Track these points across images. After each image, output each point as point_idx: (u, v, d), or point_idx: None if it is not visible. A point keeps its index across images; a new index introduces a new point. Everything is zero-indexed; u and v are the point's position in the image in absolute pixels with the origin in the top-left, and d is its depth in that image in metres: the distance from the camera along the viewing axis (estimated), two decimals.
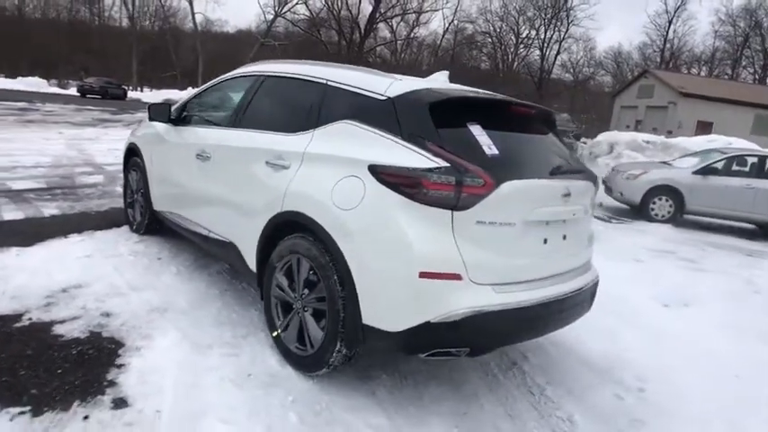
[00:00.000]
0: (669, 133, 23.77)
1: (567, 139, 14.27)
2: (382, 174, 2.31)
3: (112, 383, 2.45)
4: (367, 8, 41.10)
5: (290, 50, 43.73)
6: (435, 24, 66.45)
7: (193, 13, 41.51)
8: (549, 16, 48.40)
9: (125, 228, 4.69)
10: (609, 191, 9.99)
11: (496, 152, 2.39)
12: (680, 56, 50.53)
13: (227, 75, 3.80)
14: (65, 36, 43.21)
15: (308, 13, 41.40)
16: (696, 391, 3.15)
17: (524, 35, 51.11)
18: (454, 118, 2.45)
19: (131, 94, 37.12)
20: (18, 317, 2.96)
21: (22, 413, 2.17)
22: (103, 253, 4.06)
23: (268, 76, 3.34)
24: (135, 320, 3.06)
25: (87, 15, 47.11)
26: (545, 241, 2.55)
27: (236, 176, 3.16)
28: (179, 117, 3.95)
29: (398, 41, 46.65)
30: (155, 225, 4.34)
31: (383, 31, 46.02)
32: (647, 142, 13.97)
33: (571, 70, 51.61)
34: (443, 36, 50.06)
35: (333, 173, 2.49)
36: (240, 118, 3.35)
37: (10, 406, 2.20)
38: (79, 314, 3.06)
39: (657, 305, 4.78)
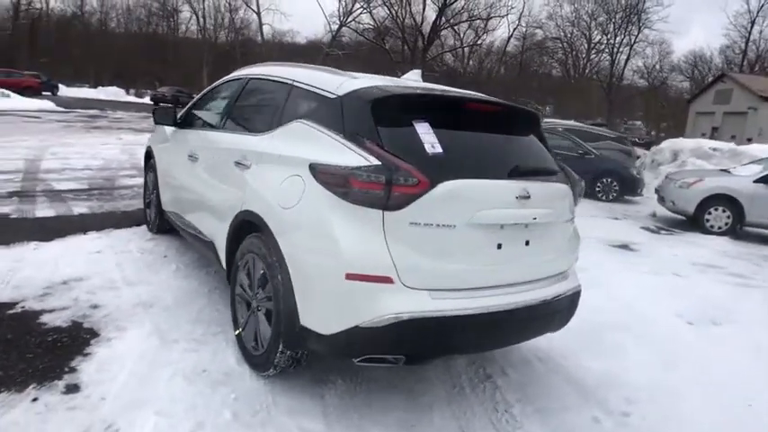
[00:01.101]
0: (749, 141, 22.06)
1: (626, 146, 13.57)
2: (319, 173, 2.29)
3: (73, 370, 2.57)
4: (431, 16, 41.21)
5: (355, 60, 44.54)
6: (502, 30, 65.19)
7: (261, 25, 43.32)
8: (619, 19, 46.35)
9: (143, 227, 4.93)
10: (661, 200, 9.39)
11: (439, 151, 2.28)
12: (767, 58, 46.81)
13: (223, 78, 3.92)
14: (144, 48, 46.28)
15: (372, 23, 42.08)
16: (691, 418, 2.87)
17: (596, 40, 49.30)
18: (401, 116, 2.37)
19: None
20: (13, 305, 3.17)
21: None
22: (114, 249, 4.28)
23: (251, 78, 3.41)
24: (118, 313, 3.19)
25: (165, 29, 50.19)
26: (499, 246, 2.40)
27: (212, 177, 3.25)
28: (183, 120, 4.11)
29: (463, 48, 46.33)
30: (166, 224, 4.53)
31: (450, 38, 45.99)
32: (714, 149, 13.02)
33: (646, 76, 49.15)
34: (508, 41, 49.13)
35: (280, 172, 2.51)
36: (224, 120, 3.45)
37: None
38: (69, 305, 3.24)
39: (681, 323, 4.42)
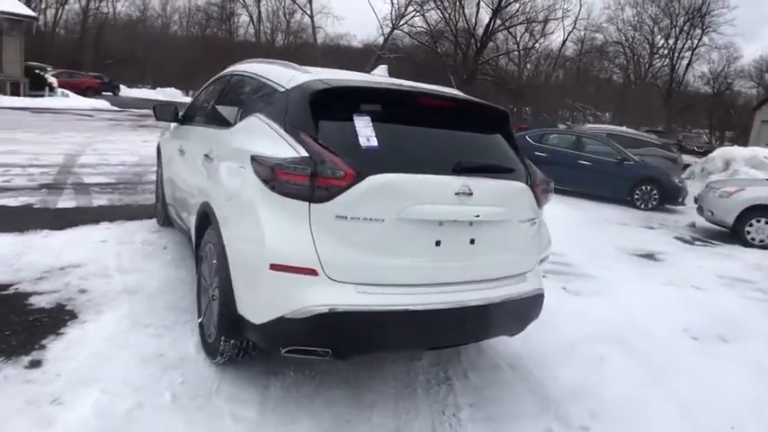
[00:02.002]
0: None
1: (671, 153, 12.98)
2: (255, 164, 2.33)
3: (42, 347, 2.74)
4: (485, 19, 40.77)
5: (406, 63, 44.65)
6: (558, 34, 63.43)
7: (314, 28, 44.11)
8: (682, 23, 44.14)
9: (153, 220, 5.16)
10: (700, 210, 8.91)
11: (374, 144, 2.27)
12: None
13: (216, 76, 4.07)
14: (202, 51, 48.21)
15: (425, 26, 42.10)
16: None
17: (660, 45, 47.23)
18: (341, 109, 2.37)
19: None
20: (8, 286, 3.41)
21: None
22: (118, 239, 4.51)
23: (232, 75, 3.53)
24: (101, 298, 3.37)
25: (223, 33, 52.00)
26: (437, 243, 2.37)
27: (188, 170, 3.39)
28: (184, 116, 4.28)
29: (520, 51, 45.51)
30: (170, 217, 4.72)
31: (506, 41, 45.28)
32: None
33: (711, 82, 46.56)
34: (563, 45, 47.80)
35: (230, 165, 2.59)
36: (205, 116, 3.59)
37: None
38: (59, 289, 3.45)
39: (684, 338, 4.20)
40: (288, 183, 2.19)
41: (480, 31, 40.08)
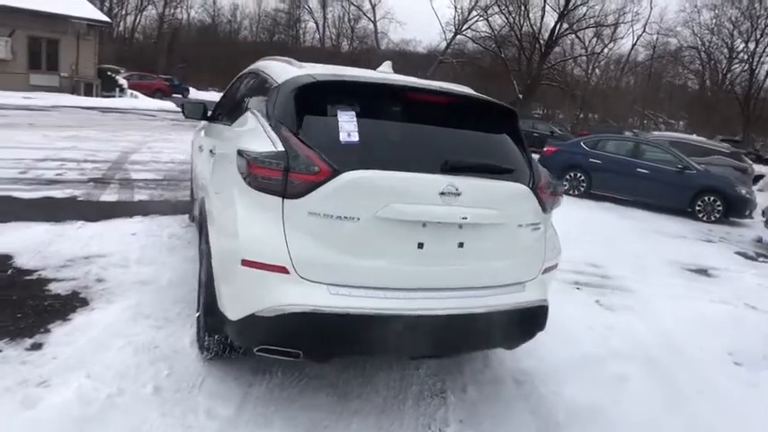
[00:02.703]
0: None
1: (741, 163, 12.07)
2: (238, 159, 2.30)
3: (47, 331, 2.85)
4: (551, 23, 39.69)
5: (469, 68, 44.19)
6: (628, 39, 60.50)
7: (376, 34, 44.67)
8: (763, 26, 41.00)
9: (187, 215, 5.31)
10: (767, 224, 8.22)
11: (354, 140, 2.19)
12: None
13: (238, 74, 4.13)
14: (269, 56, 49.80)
15: (489, 30, 41.52)
16: None
17: (739, 49, 44.19)
18: (327, 104, 2.29)
19: None
20: (32, 272, 3.58)
21: None
22: (147, 233, 4.66)
23: (247, 73, 3.56)
24: (115, 288, 3.47)
25: (289, 39, 53.47)
26: (420, 246, 2.24)
27: (201, 166, 3.43)
28: (211, 114, 4.37)
29: (588, 55, 43.95)
30: None
31: (574, 46, 43.92)
32: None
33: None
34: (631, 50, 45.60)
35: (222, 160, 2.59)
36: (222, 112, 3.64)
37: None
38: (78, 277, 3.59)
39: (725, 361, 3.84)
40: (261, 177, 2.15)
41: (545, 35, 38.98)
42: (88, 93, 19.78)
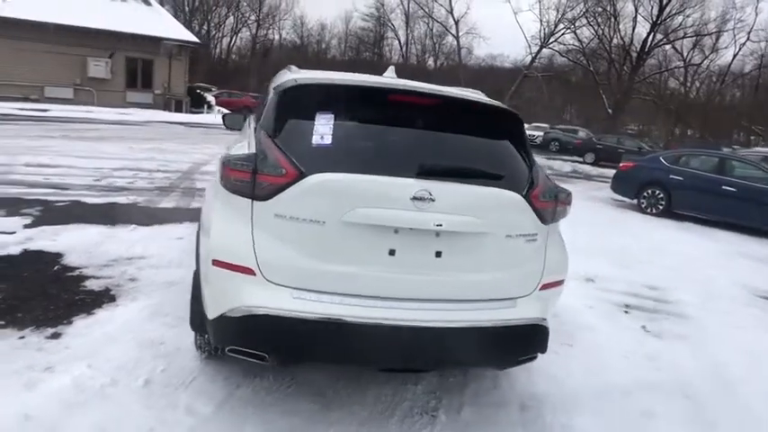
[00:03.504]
0: None
1: None
2: (219, 163, 2.38)
3: (69, 323, 3.07)
4: (643, 34, 37.66)
5: (555, 82, 42.90)
6: (730, 49, 55.65)
7: (459, 49, 44.53)
8: None
9: None
10: None
11: (327, 143, 2.17)
12: None
13: None
14: (357, 72, 51.28)
15: (577, 44, 40.18)
16: None
17: None
18: (308, 107, 2.28)
19: None
20: (75, 269, 3.88)
21: None
22: (192, 237, 4.90)
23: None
24: (144, 287, 3.68)
25: (373, 56, 54.77)
26: (391, 253, 2.17)
27: None
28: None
29: (682, 68, 41.16)
30: None
31: (666, 57, 41.39)
32: None
33: None
34: (733, 60, 41.99)
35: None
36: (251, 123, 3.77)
37: None
38: (114, 275, 3.84)
39: None
40: (232, 179, 2.19)
41: (637, 46, 37.00)
42: (178, 109, 21.40)
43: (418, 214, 2.14)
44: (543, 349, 2.56)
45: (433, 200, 2.15)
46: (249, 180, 2.14)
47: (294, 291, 2.13)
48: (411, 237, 2.18)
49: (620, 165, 11.21)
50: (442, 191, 2.17)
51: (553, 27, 40.67)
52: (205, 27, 52.28)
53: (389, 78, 3.06)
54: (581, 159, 23.80)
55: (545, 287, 2.48)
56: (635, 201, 10.58)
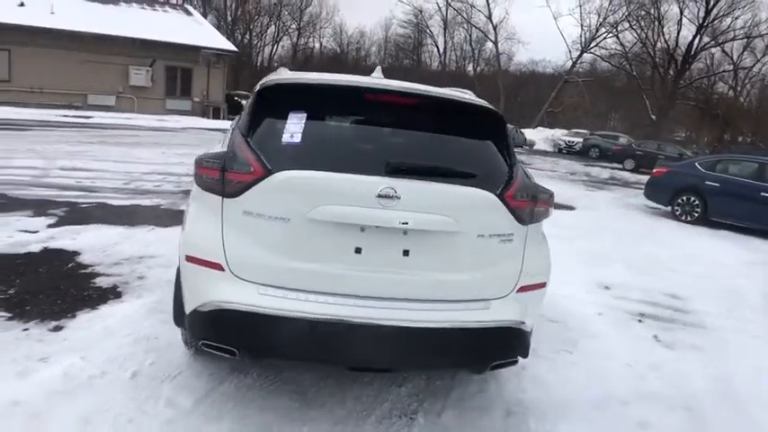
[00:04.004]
0: None
1: None
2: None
3: (73, 317, 3.21)
4: (689, 36, 36.40)
5: (596, 87, 41.99)
6: None
7: (498, 54, 44.19)
8: None
9: None
10: None
11: (296, 141, 2.20)
12: None
13: None
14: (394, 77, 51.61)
15: (619, 48, 39.22)
16: None
17: None
18: (282, 106, 2.33)
19: None
20: (87, 266, 4.06)
21: (2, 315, 3.11)
22: None
23: None
24: (151, 285, 3.82)
25: (412, 63, 54.94)
26: (358, 251, 2.18)
27: None
28: None
29: (736, 70, 39.49)
30: None
31: (712, 61, 39.84)
32: None
33: None
34: None
35: None
36: None
37: (1, 308, 3.18)
38: (124, 273, 4.00)
39: None
40: (204, 177, 2.27)
41: (683, 49, 35.80)
42: (216, 116, 22.03)
43: (384, 212, 2.15)
44: (524, 354, 2.52)
45: (398, 198, 2.15)
46: (218, 178, 2.21)
47: (261, 287, 2.17)
48: (377, 235, 2.18)
49: (654, 170, 10.87)
50: (409, 189, 2.17)
51: (594, 31, 39.96)
52: (247, 36, 53.64)
53: (375, 79, 3.08)
54: (620, 166, 23.18)
55: (523, 289, 2.44)
56: (669, 208, 10.23)
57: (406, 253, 2.22)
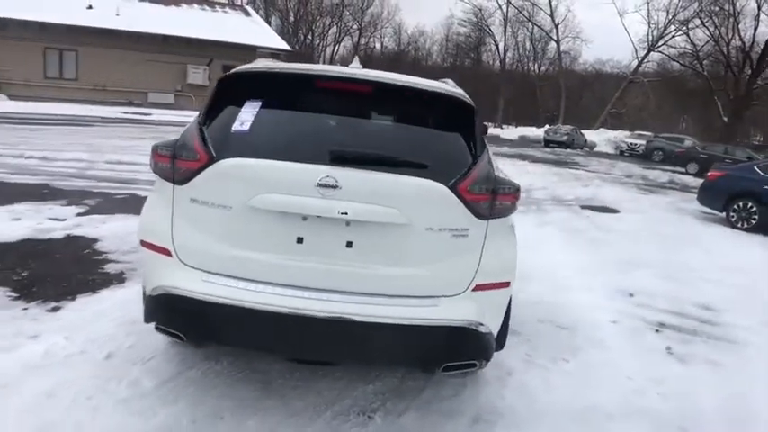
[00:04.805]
0: None
1: None
2: None
3: (72, 299, 3.40)
4: (766, 33, 34.01)
5: (662, 87, 40.02)
6: None
7: (559, 54, 42.94)
8: None
9: None
10: None
11: (245, 129, 2.22)
12: None
13: None
14: (453, 80, 51.14)
15: (689, 46, 37.11)
16: None
17: None
18: (239, 95, 2.35)
19: (493, 131, 40.76)
20: (102, 253, 4.28)
21: (8, 295, 3.32)
22: None
23: None
24: None
25: (472, 62, 54.26)
26: (299, 240, 2.16)
27: None
28: None
29: None
30: None
31: None
32: None
33: None
34: None
35: None
36: None
37: (10, 288, 3.40)
38: (133, 261, 4.16)
39: None
40: (158, 164, 2.32)
41: (760, 47, 33.40)
42: None
43: (324, 202, 2.11)
44: (482, 357, 2.42)
45: (338, 187, 2.11)
46: (169, 165, 2.26)
47: (204, 274, 2.20)
48: (320, 225, 2.15)
49: (708, 174, 10.21)
50: (350, 178, 2.12)
51: (662, 29, 38.05)
52: (309, 37, 54.84)
53: (352, 69, 3.04)
54: (683, 170, 21.93)
55: (480, 288, 2.31)
56: (723, 214, 9.58)
57: (349, 244, 2.18)
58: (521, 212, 8.75)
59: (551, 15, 41.58)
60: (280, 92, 2.39)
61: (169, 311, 2.24)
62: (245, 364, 2.84)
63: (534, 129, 37.44)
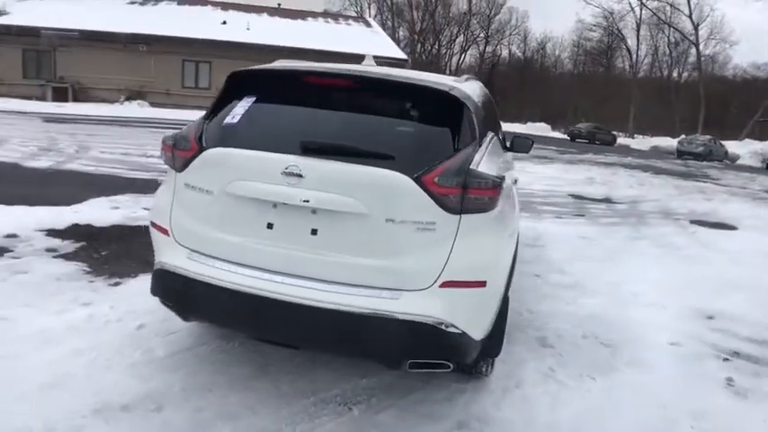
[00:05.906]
0: None
1: None
2: None
3: (134, 276, 3.87)
4: None
5: None
6: None
7: (699, 57, 38.76)
8: None
9: None
10: None
11: (233, 122, 2.46)
12: None
13: None
14: (583, 86, 48.69)
15: None
16: None
17: None
18: (239, 92, 2.59)
19: (622, 141, 37.79)
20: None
21: (83, 269, 3.87)
22: None
23: None
24: None
25: (602, 68, 51.14)
26: (269, 226, 2.29)
27: None
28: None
29: None
30: None
31: None
32: None
33: None
34: None
35: None
36: None
37: (87, 264, 3.95)
38: None
39: None
40: (165, 154, 2.61)
41: None
42: None
43: (289, 189, 2.23)
44: (455, 359, 2.38)
45: (302, 176, 2.22)
46: (171, 154, 2.56)
47: (190, 252, 2.44)
48: (288, 212, 2.27)
49: None
50: (312, 167, 2.22)
51: None
52: (436, 46, 55.50)
53: (365, 66, 3.14)
54: None
55: (447, 285, 2.23)
56: None
57: (314, 232, 2.26)
58: (613, 224, 8.18)
59: (690, 17, 37.77)
60: (272, 88, 2.63)
61: (163, 285, 2.51)
62: (253, 346, 3.03)
63: (669, 139, 34.29)
